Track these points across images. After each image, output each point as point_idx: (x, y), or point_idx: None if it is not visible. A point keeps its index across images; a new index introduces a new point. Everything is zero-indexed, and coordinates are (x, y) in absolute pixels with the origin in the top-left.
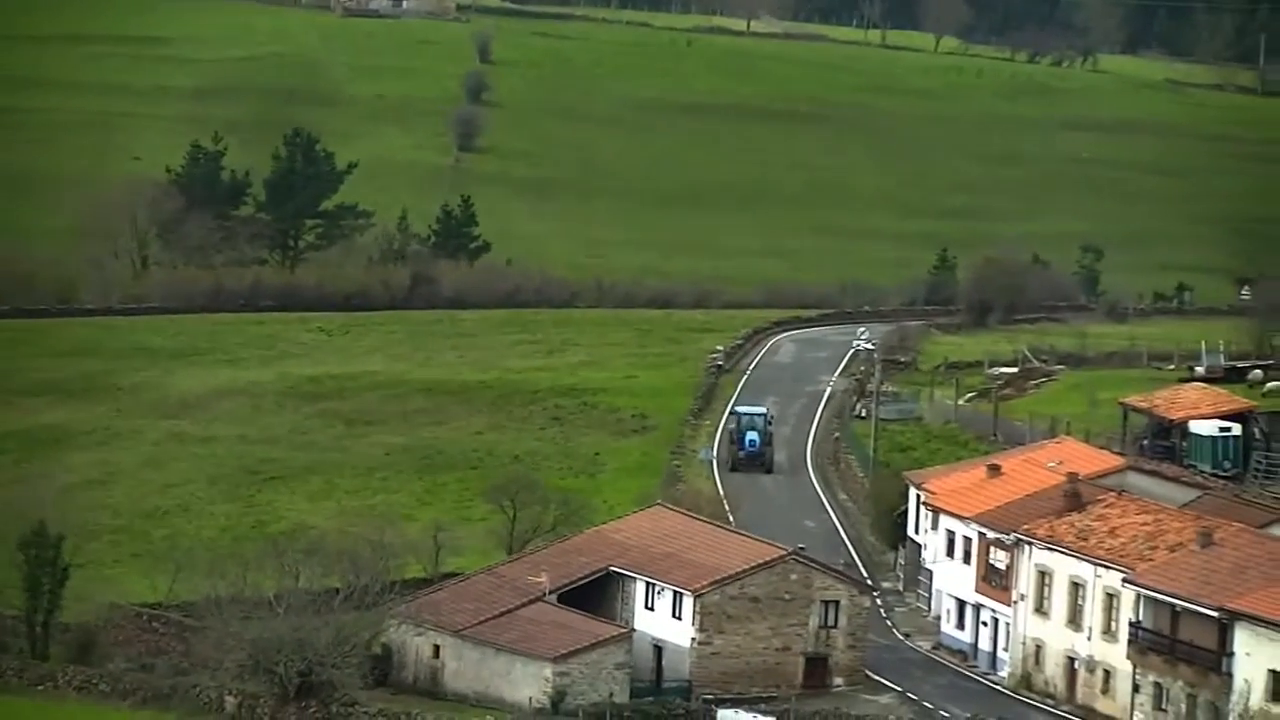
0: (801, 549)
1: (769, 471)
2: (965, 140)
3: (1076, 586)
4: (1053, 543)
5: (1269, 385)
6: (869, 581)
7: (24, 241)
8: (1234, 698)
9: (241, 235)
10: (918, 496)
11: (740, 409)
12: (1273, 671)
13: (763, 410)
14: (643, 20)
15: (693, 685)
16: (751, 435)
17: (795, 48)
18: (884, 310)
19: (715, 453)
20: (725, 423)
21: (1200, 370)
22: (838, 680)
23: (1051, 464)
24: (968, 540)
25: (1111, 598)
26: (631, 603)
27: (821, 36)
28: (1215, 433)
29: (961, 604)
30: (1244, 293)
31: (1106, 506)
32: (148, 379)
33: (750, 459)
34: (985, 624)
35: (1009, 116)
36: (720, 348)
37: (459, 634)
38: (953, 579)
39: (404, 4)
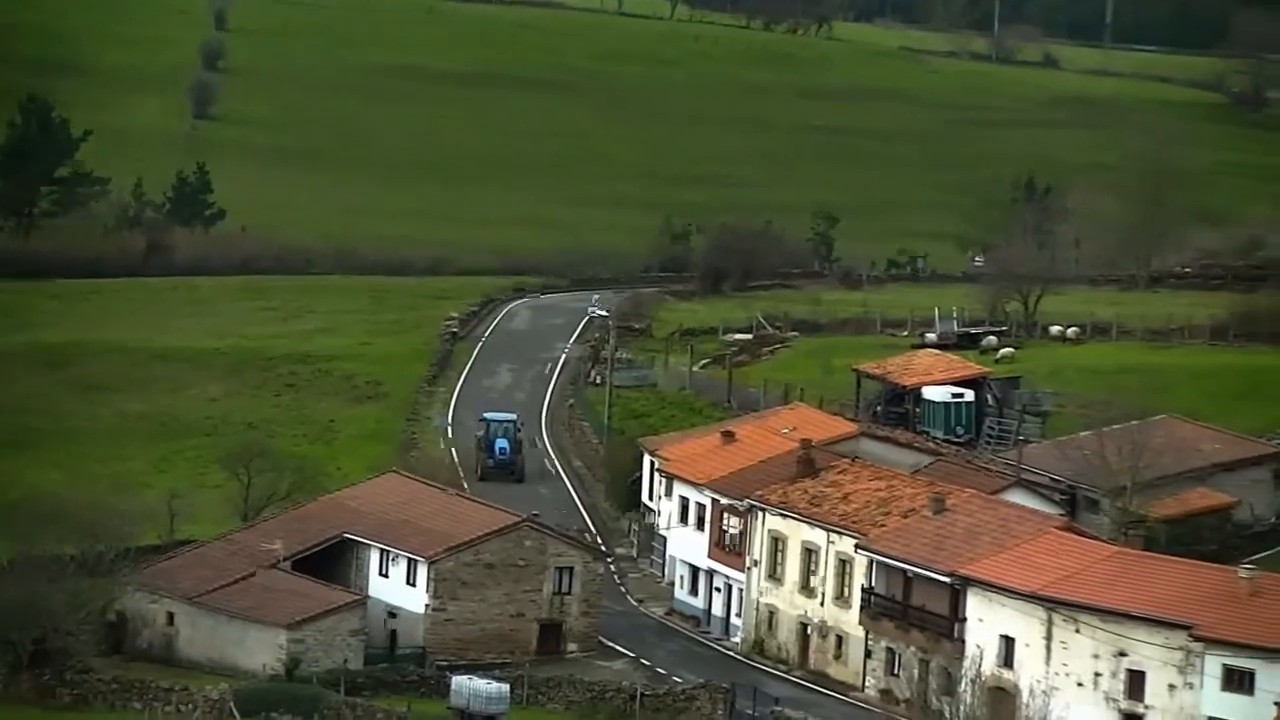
0: (536, 515)
1: (520, 481)
2: (702, 108)
3: (809, 552)
4: (786, 509)
5: (1001, 352)
6: (603, 548)
7: None
8: (966, 663)
9: None
10: (652, 463)
11: (489, 416)
12: (1004, 637)
13: (512, 417)
14: None
15: (427, 652)
16: (501, 443)
17: (534, 14)
18: (619, 277)
19: (448, 420)
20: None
21: (933, 337)
22: (572, 646)
23: (785, 430)
24: (701, 506)
25: (844, 563)
26: (366, 570)
27: (560, 4)
28: (948, 399)
29: (695, 570)
30: (977, 260)
31: (840, 473)
32: None
33: (500, 468)
34: (718, 590)
35: (746, 84)
36: (456, 315)
37: (193, 601)
38: (686, 545)
39: None
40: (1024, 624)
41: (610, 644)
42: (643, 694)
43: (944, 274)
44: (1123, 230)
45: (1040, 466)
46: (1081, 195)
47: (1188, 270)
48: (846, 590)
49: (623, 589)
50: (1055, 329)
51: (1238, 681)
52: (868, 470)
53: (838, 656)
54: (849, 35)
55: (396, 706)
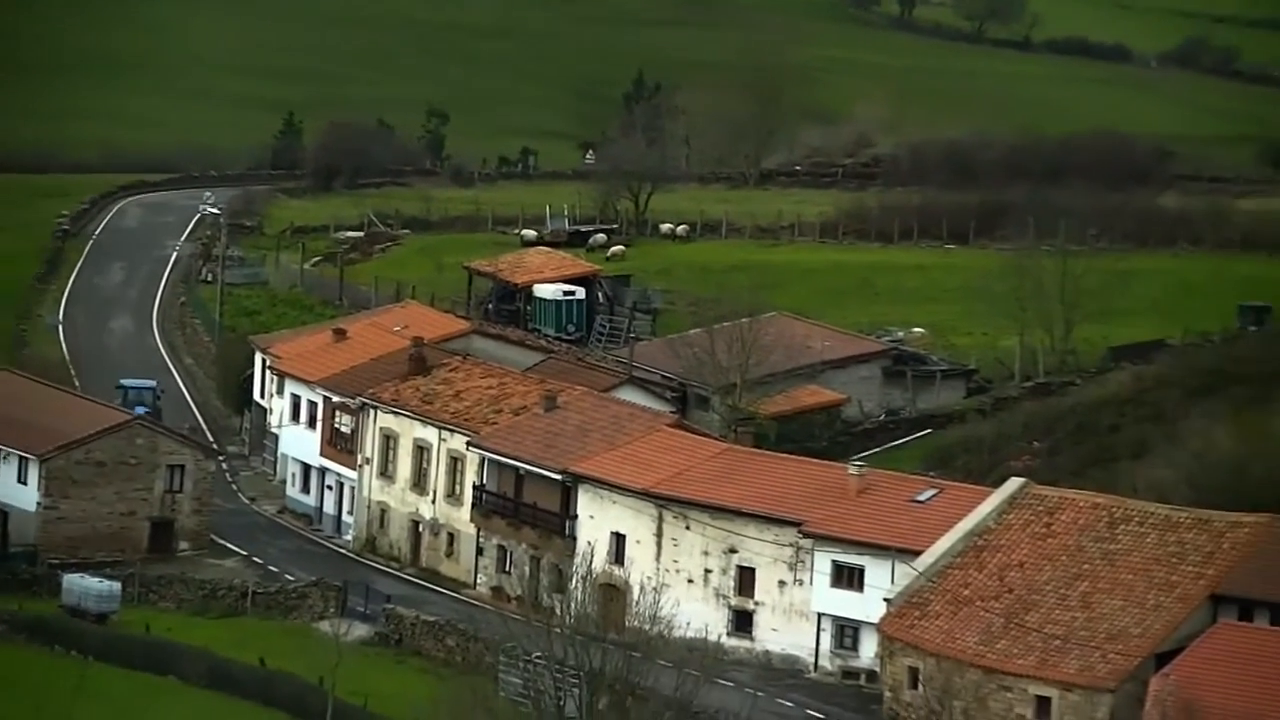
0: (148, 413)
1: None
2: (306, 2)
3: (421, 450)
4: (398, 406)
5: (612, 249)
6: (215, 446)
7: None
8: (577, 560)
9: None
10: (264, 361)
11: (126, 382)
12: (615, 534)
13: (151, 384)
14: None
15: (39, 550)
16: (140, 410)
17: None
18: (230, 174)
19: (60, 319)
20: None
21: (532, 234)
22: (183, 544)
23: (397, 328)
24: (313, 404)
25: (456, 461)
26: None
27: None
28: (559, 297)
29: (307, 468)
30: (588, 157)
31: (451, 370)
32: None
33: None
34: (330, 488)
35: None
36: (66, 213)
37: None
38: (298, 443)
39: None
40: (634, 521)
41: (222, 542)
42: (254, 592)
43: (554, 171)
44: (732, 128)
45: (651, 364)
46: (692, 93)
47: (798, 168)
48: (458, 488)
49: (235, 487)
50: (665, 227)
51: (847, 578)
52: (479, 368)
53: (449, 554)
54: None
55: (7, 605)
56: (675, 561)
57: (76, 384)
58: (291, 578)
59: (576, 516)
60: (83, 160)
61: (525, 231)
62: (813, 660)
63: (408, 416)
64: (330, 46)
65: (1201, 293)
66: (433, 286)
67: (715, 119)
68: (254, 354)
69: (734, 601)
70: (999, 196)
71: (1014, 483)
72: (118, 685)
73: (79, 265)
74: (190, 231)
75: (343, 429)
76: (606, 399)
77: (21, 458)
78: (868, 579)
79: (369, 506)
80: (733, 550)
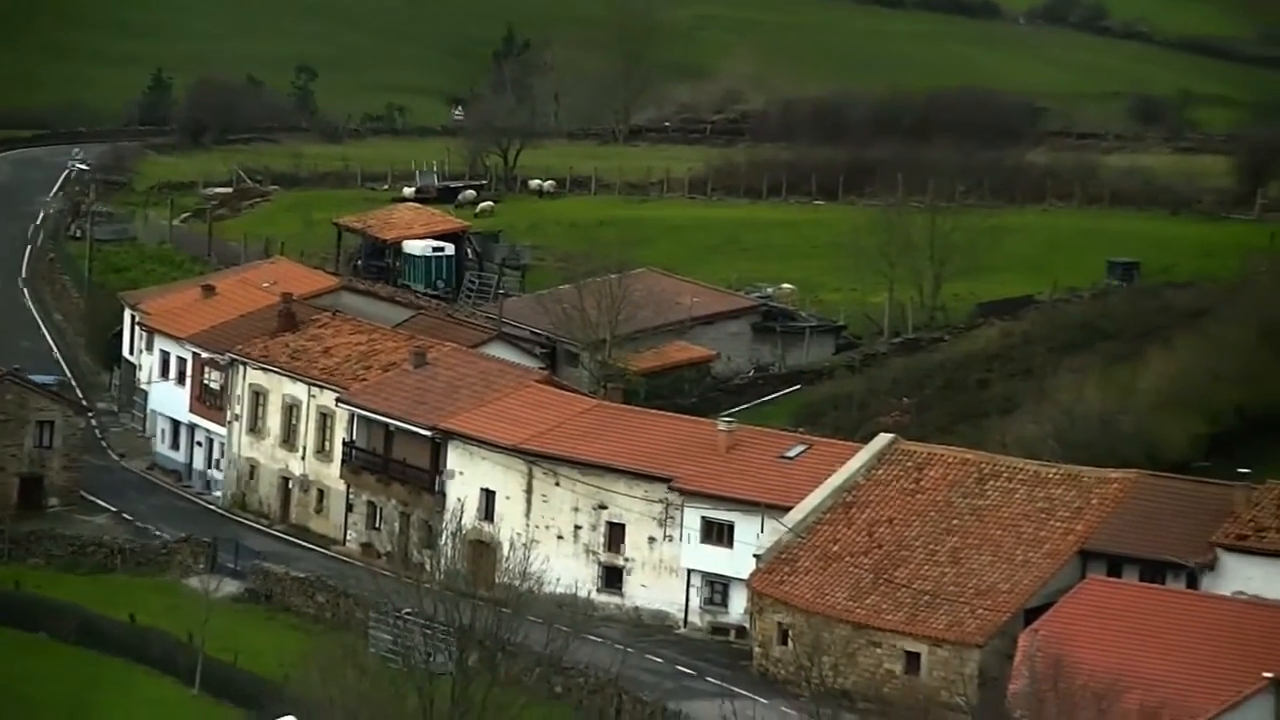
0: (16, 370)
1: None
2: None
3: (291, 407)
4: (267, 363)
5: (481, 205)
6: (84, 402)
7: None
8: (447, 516)
9: None
10: (133, 317)
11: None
12: (485, 490)
13: (51, 379)
14: None
15: None
16: None
17: None
18: (99, 130)
19: None
20: None
21: (410, 191)
22: (53, 500)
23: (266, 284)
24: (182, 360)
25: (326, 417)
26: None
27: None
28: (428, 253)
29: (176, 424)
30: (457, 113)
31: (321, 326)
32: None
33: None
34: (200, 444)
35: None
36: None
37: None
38: (168, 399)
39: None
40: (504, 477)
41: (92, 498)
42: (124, 548)
43: (424, 127)
44: (602, 84)
45: (520, 320)
46: (561, 49)
47: (666, 124)
48: (328, 444)
49: (104, 443)
50: (534, 183)
51: (717, 534)
52: (349, 324)
53: (319, 510)
54: None
55: None
56: (545, 518)
57: None
58: (161, 534)
59: (446, 473)
60: None
61: (406, 190)
62: (683, 616)
63: (277, 373)
64: (199, 3)
65: (1070, 249)
66: (302, 243)
67: (584, 75)
68: (123, 310)
69: (604, 558)
70: (867, 153)
71: (883, 439)
72: None
73: None
74: (59, 187)
75: (212, 385)
76: (476, 355)
77: None
78: (737, 535)
79: (238, 463)
80: (603, 506)
